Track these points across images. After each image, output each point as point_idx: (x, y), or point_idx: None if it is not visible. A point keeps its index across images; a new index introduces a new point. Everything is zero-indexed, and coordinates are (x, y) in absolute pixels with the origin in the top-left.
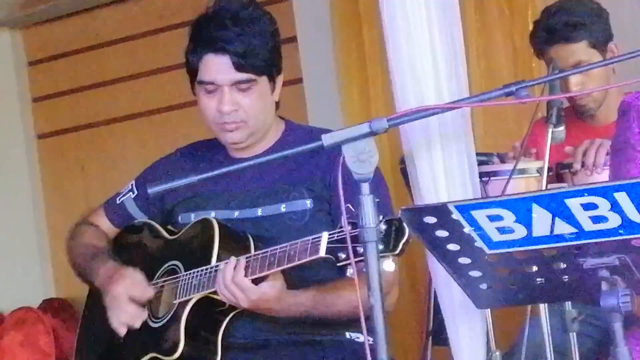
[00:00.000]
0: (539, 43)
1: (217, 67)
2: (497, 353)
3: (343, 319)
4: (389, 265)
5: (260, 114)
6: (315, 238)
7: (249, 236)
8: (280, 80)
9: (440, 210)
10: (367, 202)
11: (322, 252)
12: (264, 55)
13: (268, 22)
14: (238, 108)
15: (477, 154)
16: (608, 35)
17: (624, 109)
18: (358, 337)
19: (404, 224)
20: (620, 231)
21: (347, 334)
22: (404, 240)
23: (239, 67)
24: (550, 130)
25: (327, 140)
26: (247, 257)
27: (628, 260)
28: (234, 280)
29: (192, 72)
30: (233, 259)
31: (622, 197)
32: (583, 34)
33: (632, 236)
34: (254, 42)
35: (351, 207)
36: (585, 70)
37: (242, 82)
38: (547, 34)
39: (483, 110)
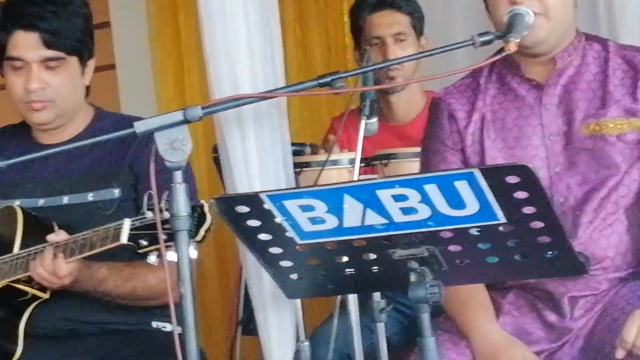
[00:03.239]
0: (365, 10)
1: (26, 43)
2: (306, 343)
3: (138, 299)
4: (191, 252)
5: (69, 94)
6: (117, 225)
7: (54, 224)
8: (91, 64)
9: (252, 199)
10: (180, 191)
11: (124, 239)
12: (75, 36)
13: (81, 4)
14: (46, 86)
15: (291, 144)
16: (423, 26)
17: (435, 104)
18: (165, 327)
19: (206, 210)
20: (429, 223)
21: (154, 324)
22: (205, 227)
23: (48, 44)
24: (363, 122)
25: (139, 127)
26: (55, 246)
27: (436, 251)
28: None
29: (0, 49)
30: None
31: (432, 189)
32: (409, 8)
33: (441, 228)
34: (65, 21)
35: (152, 193)
36: (398, 63)
37: (51, 60)
38: (375, 0)
39: (299, 101)
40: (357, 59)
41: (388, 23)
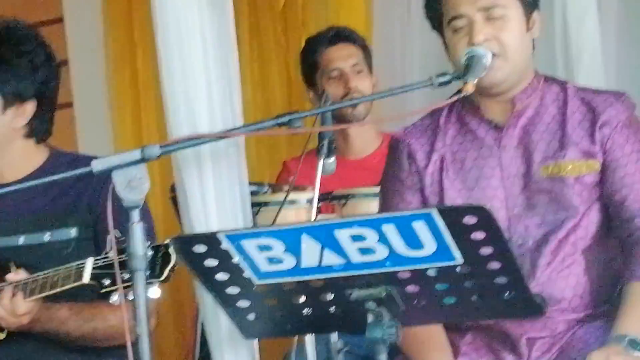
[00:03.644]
0: (322, 44)
1: None
2: None
3: (99, 338)
4: (154, 291)
5: None
6: (79, 264)
7: (10, 264)
8: (29, 107)
9: (210, 239)
10: (137, 230)
11: (86, 279)
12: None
13: (33, 48)
14: None
15: (249, 184)
16: (371, 62)
17: (394, 144)
18: None
19: (170, 251)
20: (387, 263)
21: None
22: (169, 267)
23: None
24: (321, 161)
25: (96, 166)
26: (14, 285)
27: (394, 292)
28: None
29: None
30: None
31: (390, 230)
32: (362, 42)
33: (398, 268)
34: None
35: (118, 233)
36: (357, 104)
37: None
38: (331, 36)
39: (257, 140)
40: (311, 99)
41: (346, 55)
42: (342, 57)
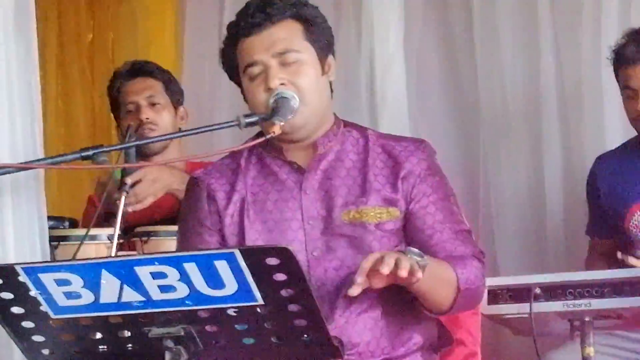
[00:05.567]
0: (120, 80)
1: None
2: None
3: None
4: None
5: None
6: None
7: None
8: None
9: (6, 271)
10: None
11: None
12: None
13: None
14: None
15: (49, 218)
16: (181, 97)
17: (193, 183)
18: None
19: None
20: (187, 302)
21: None
22: None
23: None
24: (123, 197)
25: None
26: None
27: (193, 330)
28: None
29: None
30: None
31: (191, 268)
32: (161, 75)
33: (198, 307)
34: None
35: None
36: (169, 139)
37: None
38: (128, 70)
39: (59, 174)
40: (119, 139)
41: (140, 88)
42: (136, 90)
